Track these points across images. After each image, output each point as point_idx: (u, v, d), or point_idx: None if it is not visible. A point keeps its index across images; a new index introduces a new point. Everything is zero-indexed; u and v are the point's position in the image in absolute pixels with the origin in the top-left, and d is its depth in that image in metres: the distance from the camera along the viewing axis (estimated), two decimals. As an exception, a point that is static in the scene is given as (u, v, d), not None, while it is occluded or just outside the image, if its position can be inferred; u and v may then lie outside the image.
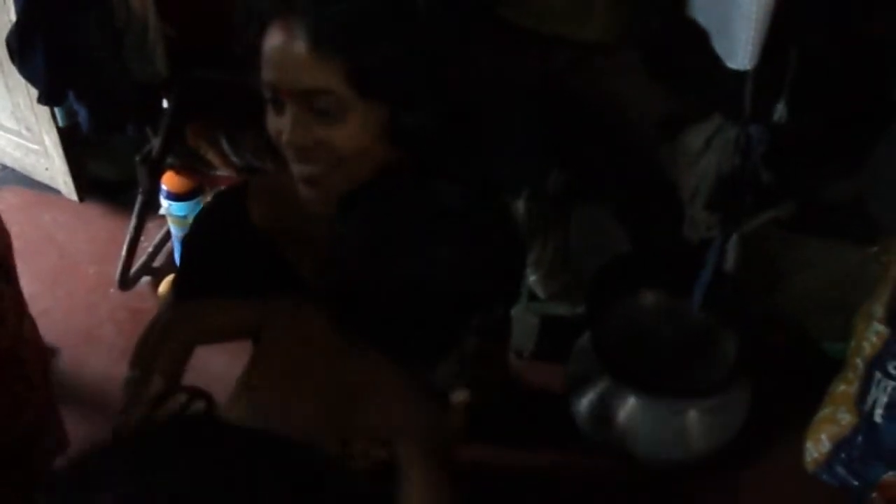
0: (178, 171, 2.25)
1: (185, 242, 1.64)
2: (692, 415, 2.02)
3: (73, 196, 2.80)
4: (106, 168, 2.70)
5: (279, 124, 1.29)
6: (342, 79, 1.22)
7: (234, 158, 2.04)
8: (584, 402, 2.06)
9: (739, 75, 1.57)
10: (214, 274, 1.54)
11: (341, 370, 1.32)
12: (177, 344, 1.33)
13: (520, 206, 2.01)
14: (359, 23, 1.22)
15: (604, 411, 2.01)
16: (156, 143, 2.12)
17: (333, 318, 1.31)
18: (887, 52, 1.77)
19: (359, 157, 1.29)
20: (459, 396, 1.37)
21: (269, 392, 1.33)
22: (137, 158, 2.16)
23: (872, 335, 1.96)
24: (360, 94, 1.24)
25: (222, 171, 2.08)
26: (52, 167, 2.78)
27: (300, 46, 1.21)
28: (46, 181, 2.84)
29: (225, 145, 2.03)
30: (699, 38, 1.64)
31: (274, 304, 1.38)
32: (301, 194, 1.35)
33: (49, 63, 1.99)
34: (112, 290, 2.52)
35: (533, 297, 2.18)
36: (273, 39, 1.24)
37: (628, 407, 2.00)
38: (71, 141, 2.65)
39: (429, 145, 1.32)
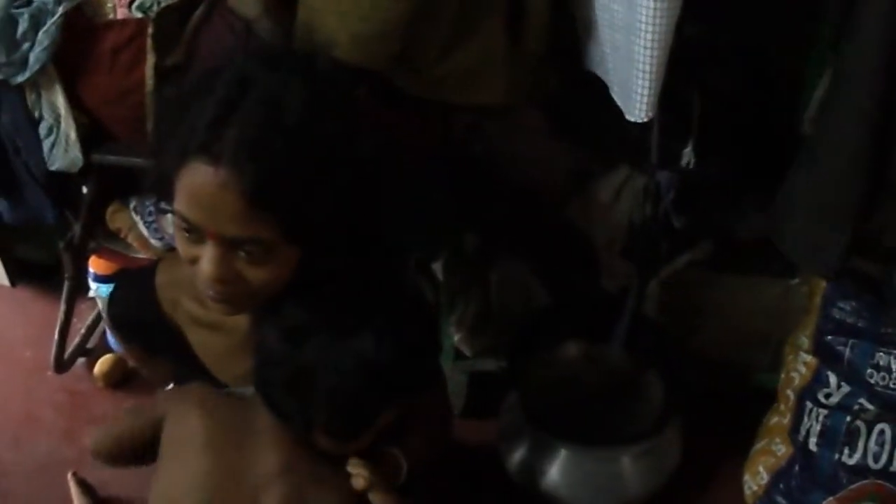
0: (103, 254, 2.25)
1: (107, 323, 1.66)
2: (625, 461, 2.02)
3: (5, 281, 2.77)
4: (35, 252, 2.69)
5: (196, 252, 1.26)
6: (275, 229, 1.20)
7: (152, 241, 2.05)
8: (517, 457, 2.06)
9: (644, 125, 1.56)
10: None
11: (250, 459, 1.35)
12: None
13: (438, 268, 2.02)
14: (294, 177, 1.18)
15: (536, 465, 2.01)
16: (77, 228, 2.12)
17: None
18: (790, 84, 1.79)
19: (271, 288, 1.30)
20: (355, 470, 1.41)
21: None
22: (61, 245, 2.17)
23: (801, 366, 1.99)
24: (290, 241, 1.24)
25: (143, 254, 2.09)
26: (-20, 253, 2.76)
27: (233, 197, 1.17)
28: (-24, 267, 2.83)
29: (143, 228, 2.04)
30: (599, 92, 1.66)
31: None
32: (209, 303, 1.35)
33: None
34: (49, 372, 2.50)
35: (459, 355, 2.19)
36: (198, 179, 1.19)
37: (560, 459, 1.99)
38: (-3, 226, 2.64)
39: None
